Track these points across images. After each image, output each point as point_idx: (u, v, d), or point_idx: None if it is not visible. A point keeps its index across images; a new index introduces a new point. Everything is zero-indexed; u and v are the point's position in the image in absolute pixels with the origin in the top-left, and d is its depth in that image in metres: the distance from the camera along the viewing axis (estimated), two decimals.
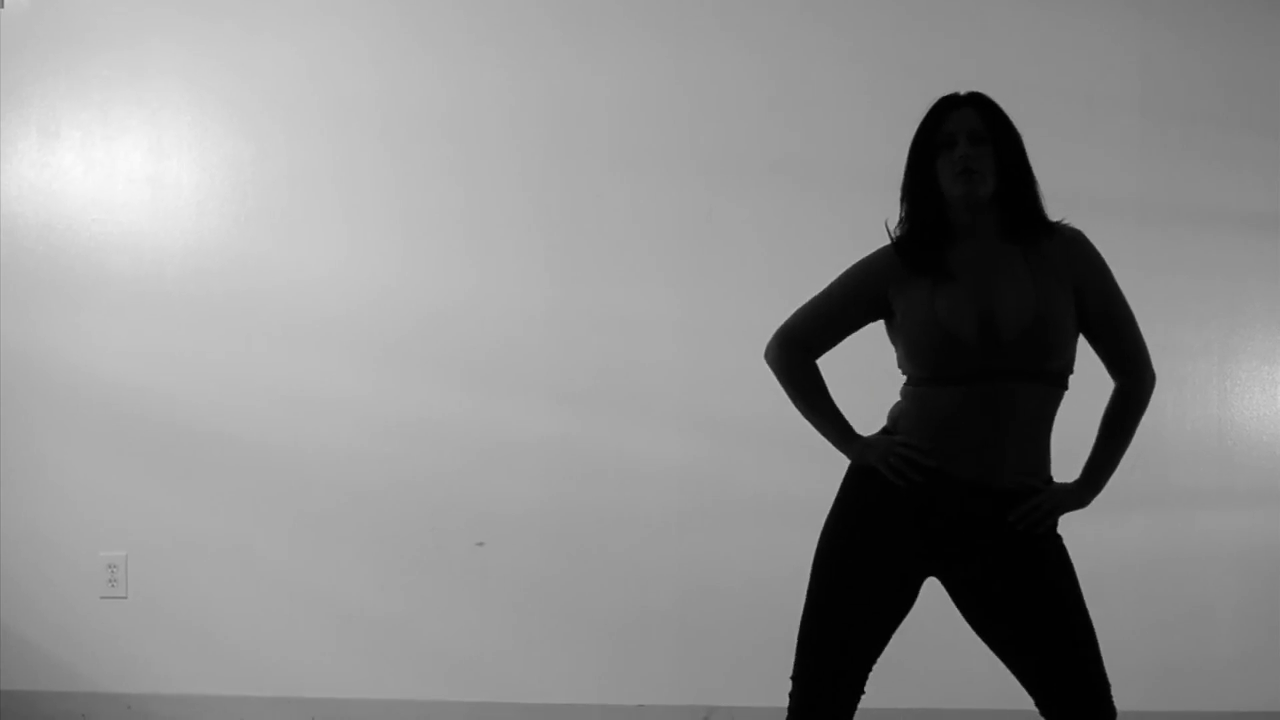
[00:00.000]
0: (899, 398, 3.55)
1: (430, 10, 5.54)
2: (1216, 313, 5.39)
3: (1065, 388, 3.42)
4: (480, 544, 5.47)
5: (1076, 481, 3.49)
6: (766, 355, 3.64)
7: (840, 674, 3.43)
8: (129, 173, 5.60)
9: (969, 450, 3.35)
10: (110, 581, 5.57)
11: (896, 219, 3.51)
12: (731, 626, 5.41)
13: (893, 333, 3.52)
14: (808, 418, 3.63)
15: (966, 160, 3.33)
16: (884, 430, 3.54)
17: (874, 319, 3.56)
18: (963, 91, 3.46)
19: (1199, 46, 5.38)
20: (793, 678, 3.51)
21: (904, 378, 3.52)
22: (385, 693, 5.49)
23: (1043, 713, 3.45)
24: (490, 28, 5.51)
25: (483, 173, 5.48)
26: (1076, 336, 3.42)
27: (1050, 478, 3.47)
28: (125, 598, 5.57)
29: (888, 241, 3.52)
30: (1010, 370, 3.31)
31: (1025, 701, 3.48)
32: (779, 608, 5.38)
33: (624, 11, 5.48)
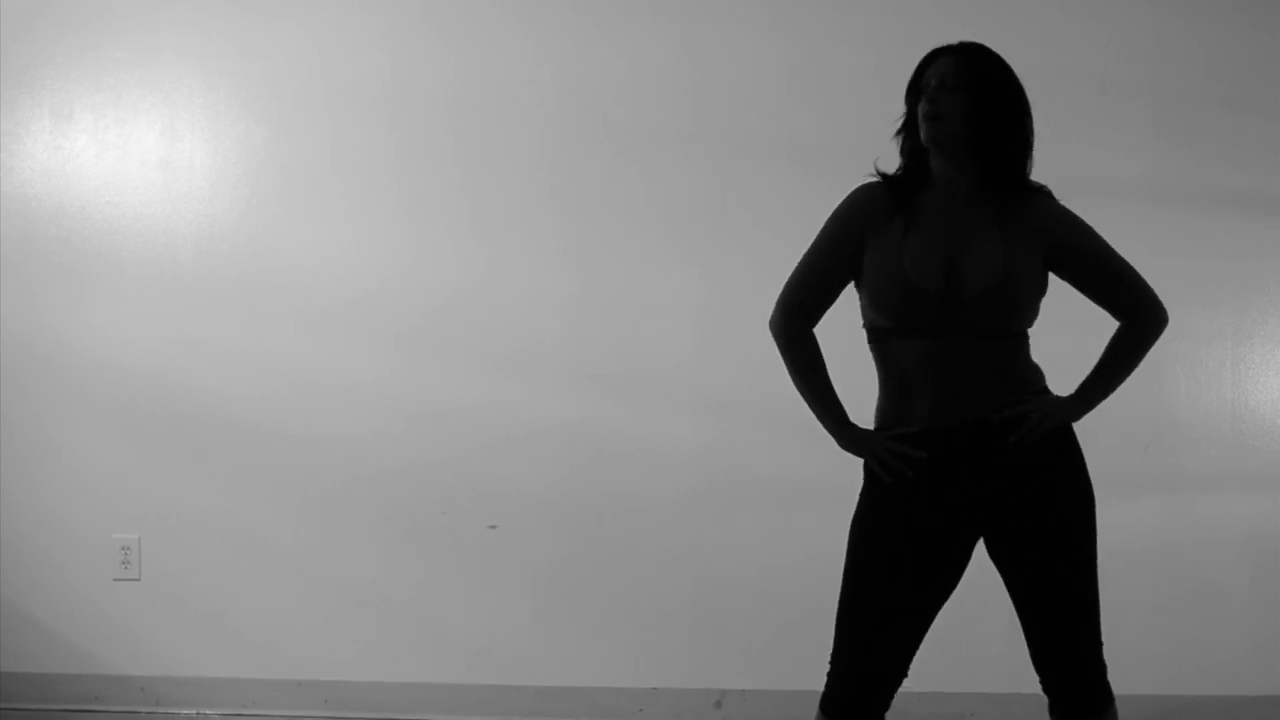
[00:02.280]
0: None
1: None
2: (1229, 296, 5.39)
3: (1026, 339, 3.46)
4: (493, 527, 5.47)
5: (1070, 395, 3.50)
6: (770, 326, 3.60)
7: (884, 654, 3.40)
8: (142, 155, 5.60)
9: (939, 399, 3.36)
10: (124, 564, 5.58)
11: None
12: (744, 610, 5.42)
13: (858, 281, 3.50)
14: (803, 395, 3.59)
15: (933, 104, 3.35)
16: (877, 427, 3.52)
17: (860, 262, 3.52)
18: (958, 41, 3.48)
19: (1210, 30, 5.37)
20: (831, 659, 3.46)
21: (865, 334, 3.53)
22: (397, 675, 5.50)
23: (1044, 688, 3.49)
24: (502, 10, 5.51)
25: (495, 157, 5.48)
26: (1041, 297, 3.44)
27: (1042, 389, 3.49)
28: (138, 580, 5.58)
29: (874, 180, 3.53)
30: (971, 325, 3.33)
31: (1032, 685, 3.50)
32: (792, 592, 5.44)
33: None
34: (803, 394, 3.58)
